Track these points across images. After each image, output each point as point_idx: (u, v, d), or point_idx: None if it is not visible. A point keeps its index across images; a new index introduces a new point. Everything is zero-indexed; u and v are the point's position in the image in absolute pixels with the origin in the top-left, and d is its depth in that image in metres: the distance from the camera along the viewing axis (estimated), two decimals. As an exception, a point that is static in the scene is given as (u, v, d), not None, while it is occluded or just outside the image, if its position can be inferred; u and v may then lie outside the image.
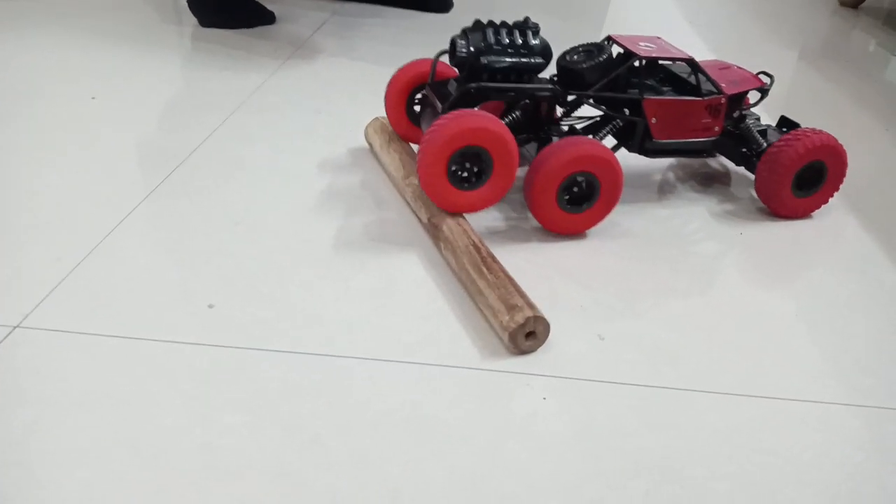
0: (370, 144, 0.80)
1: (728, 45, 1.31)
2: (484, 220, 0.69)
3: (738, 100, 0.72)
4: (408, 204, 0.70)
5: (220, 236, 0.64)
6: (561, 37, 1.04)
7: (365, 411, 0.47)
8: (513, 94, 0.65)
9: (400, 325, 0.54)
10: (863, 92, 1.11)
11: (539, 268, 0.62)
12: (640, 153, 0.71)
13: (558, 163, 0.62)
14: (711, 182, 0.80)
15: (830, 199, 0.73)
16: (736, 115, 0.73)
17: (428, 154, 0.60)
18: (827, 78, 1.17)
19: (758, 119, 0.76)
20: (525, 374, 0.51)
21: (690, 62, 0.69)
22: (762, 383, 0.51)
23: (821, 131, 0.70)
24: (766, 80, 0.76)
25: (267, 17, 1.26)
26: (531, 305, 0.52)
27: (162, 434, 0.44)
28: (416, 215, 0.68)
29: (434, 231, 0.63)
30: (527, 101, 0.67)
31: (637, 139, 0.70)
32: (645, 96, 0.68)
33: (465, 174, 0.62)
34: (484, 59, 0.64)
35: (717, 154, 0.80)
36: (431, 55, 0.73)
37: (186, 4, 1.23)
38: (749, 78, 0.74)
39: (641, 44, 0.70)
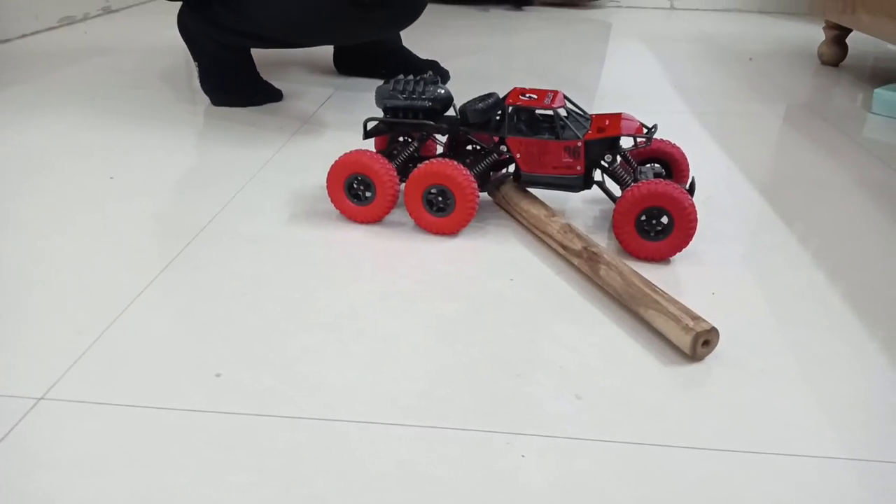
0: (505, 199, 0.89)
1: (711, 109, 1.38)
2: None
3: (603, 145, 0.82)
4: (547, 239, 0.81)
5: (229, 307, 0.69)
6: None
7: (362, 471, 0.51)
8: (401, 126, 0.88)
9: (395, 388, 0.59)
10: (839, 150, 1.16)
11: (524, 332, 0.67)
12: (517, 182, 0.87)
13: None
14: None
15: (687, 246, 0.79)
16: (609, 159, 0.83)
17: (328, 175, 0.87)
18: (808, 136, 1.22)
19: (661, 173, 0.89)
20: (506, 433, 0.54)
21: (555, 112, 0.82)
22: (744, 437, 0.55)
23: (668, 183, 0.76)
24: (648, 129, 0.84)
25: (274, 95, 1.35)
26: (704, 319, 0.62)
27: (173, 493, 0.48)
28: (561, 248, 0.79)
29: (593, 256, 0.73)
30: (423, 134, 0.88)
31: (516, 170, 0.86)
32: (508, 135, 0.83)
33: (359, 193, 0.85)
34: (383, 103, 0.86)
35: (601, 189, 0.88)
36: (423, 134, 0.80)
37: (199, 85, 1.32)
38: (626, 127, 0.82)
39: (532, 95, 0.84)
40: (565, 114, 0.84)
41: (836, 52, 1.70)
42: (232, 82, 1.31)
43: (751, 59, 1.80)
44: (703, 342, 0.62)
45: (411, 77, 0.87)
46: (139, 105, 1.31)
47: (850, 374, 0.62)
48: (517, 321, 0.68)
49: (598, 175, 0.92)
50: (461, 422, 0.55)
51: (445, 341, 0.65)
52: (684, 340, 0.62)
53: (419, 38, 1.89)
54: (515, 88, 0.87)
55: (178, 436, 0.53)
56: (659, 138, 0.91)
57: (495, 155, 0.87)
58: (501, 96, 0.85)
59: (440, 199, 0.82)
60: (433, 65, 1.51)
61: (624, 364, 0.62)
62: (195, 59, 1.30)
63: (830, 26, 1.69)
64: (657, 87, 1.52)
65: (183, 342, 0.64)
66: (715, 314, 0.69)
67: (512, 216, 0.88)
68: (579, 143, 0.81)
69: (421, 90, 0.85)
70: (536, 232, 0.83)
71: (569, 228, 0.78)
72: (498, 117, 0.86)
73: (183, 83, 1.46)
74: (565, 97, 0.86)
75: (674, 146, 0.90)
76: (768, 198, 0.98)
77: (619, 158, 0.84)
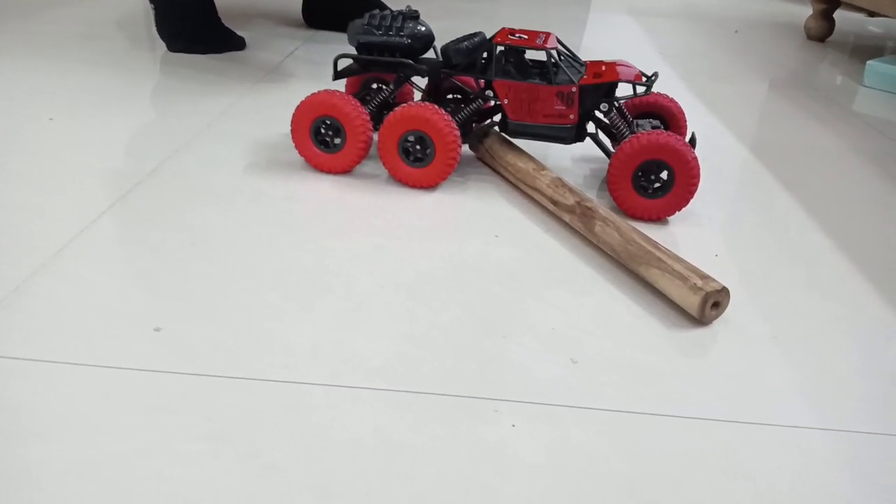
0: (489, 153, 0.80)
1: (698, 76, 1.32)
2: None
3: (599, 91, 0.74)
4: (536, 194, 0.74)
5: (176, 259, 0.61)
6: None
7: (326, 438, 0.43)
8: (375, 65, 0.78)
9: (365, 349, 0.52)
10: (832, 120, 1.12)
11: (511, 292, 0.60)
12: (504, 132, 0.78)
13: None
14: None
15: (687, 205, 0.72)
16: (605, 108, 0.75)
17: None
18: (797, 106, 1.17)
19: (658, 128, 0.76)
20: (493, 399, 0.48)
21: (547, 52, 0.74)
22: (737, 407, 0.49)
23: (670, 134, 0.69)
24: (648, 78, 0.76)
25: (236, 43, 1.25)
26: (714, 278, 0.56)
27: (114, 463, 0.40)
28: (552, 203, 0.71)
29: (587, 211, 0.66)
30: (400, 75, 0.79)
31: (502, 119, 0.78)
32: (495, 78, 0.75)
33: (327, 139, 0.77)
34: (358, 39, 0.77)
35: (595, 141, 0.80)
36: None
37: (156, 31, 1.22)
38: (625, 73, 0.74)
39: (523, 36, 0.76)
40: (558, 57, 0.76)
41: (823, 26, 1.66)
42: (190, 28, 1.21)
43: (736, 31, 1.75)
44: (712, 304, 0.55)
45: (389, 11, 0.78)
46: (91, 52, 1.20)
47: (859, 342, 0.57)
48: (502, 279, 0.61)
49: (591, 128, 0.85)
50: (440, 386, 0.49)
51: (422, 300, 0.58)
52: (692, 301, 0.55)
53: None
54: (504, 28, 0.78)
55: (118, 397, 0.45)
56: (656, 91, 0.84)
57: (480, 102, 0.79)
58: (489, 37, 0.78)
59: (418, 147, 0.74)
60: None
61: (621, 327, 0.56)
62: (151, 2, 1.20)
63: (818, 0, 1.65)
64: (642, 53, 1.46)
65: (118, 294, 0.56)
66: (720, 278, 0.63)
67: (496, 171, 0.81)
68: (574, 89, 0.74)
69: (399, 26, 0.76)
70: (524, 187, 0.75)
71: (560, 182, 0.71)
72: (484, 60, 0.77)
73: (141, 32, 1.35)
74: (558, 41, 0.78)
75: (671, 100, 0.83)
76: (765, 162, 0.92)
77: (615, 109, 0.76)
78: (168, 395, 0.46)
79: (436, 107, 0.73)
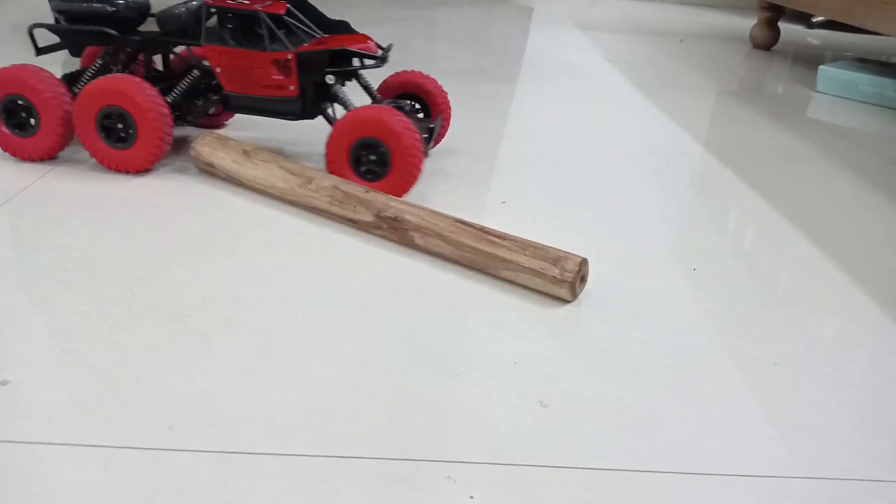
0: (209, 164, 0.66)
1: (648, 81, 1.25)
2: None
3: (320, 59, 0.66)
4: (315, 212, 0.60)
5: (42, 287, 0.48)
6: (480, 70, 0.93)
7: (210, 534, 0.31)
8: (80, 37, 0.68)
9: (273, 400, 0.40)
10: (793, 124, 1.06)
11: (461, 316, 0.49)
12: (225, 108, 0.69)
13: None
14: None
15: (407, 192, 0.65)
16: (331, 80, 0.69)
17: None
18: (756, 111, 1.11)
19: (411, 108, 0.72)
20: (444, 461, 0.37)
21: (260, 14, 0.65)
22: (751, 456, 0.39)
23: (388, 109, 0.62)
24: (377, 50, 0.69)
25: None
26: (567, 252, 0.51)
27: None
28: (349, 222, 0.59)
29: (394, 224, 0.56)
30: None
31: (221, 95, 0.69)
32: (205, 43, 0.66)
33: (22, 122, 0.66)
34: (56, 6, 0.66)
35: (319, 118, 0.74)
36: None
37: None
38: (350, 42, 0.67)
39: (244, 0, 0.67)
40: (276, 23, 0.66)
41: (768, 34, 1.63)
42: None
43: (682, 40, 1.71)
44: (580, 280, 0.52)
45: None
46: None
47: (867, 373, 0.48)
48: (451, 303, 0.50)
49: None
50: (375, 447, 0.37)
51: (351, 332, 0.47)
52: (562, 293, 0.51)
53: (333, 5, 1.69)
54: None
55: None
56: (412, 70, 0.76)
57: (195, 73, 0.69)
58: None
59: (119, 126, 0.65)
60: (343, 25, 1.31)
61: (596, 354, 0.46)
62: None
63: (763, 8, 1.62)
64: (591, 60, 1.39)
65: (-45, 337, 0.43)
66: (703, 294, 0.54)
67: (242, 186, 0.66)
68: (289, 56, 0.65)
69: None
70: (301, 208, 0.63)
71: (339, 192, 0.59)
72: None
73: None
74: (301, 9, 0.70)
75: (427, 78, 0.75)
76: (732, 167, 0.84)
77: (342, 82, 0.69)
78: (-5, 479, 0.33)
79: (135, 78, 0.64)
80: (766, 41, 1.64)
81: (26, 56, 1.05)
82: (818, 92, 1.26)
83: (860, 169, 0.88)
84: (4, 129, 0.66)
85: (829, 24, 2.05)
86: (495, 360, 0.45)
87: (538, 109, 1.01)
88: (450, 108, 0.77)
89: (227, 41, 0.66)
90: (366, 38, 0.68)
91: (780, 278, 0.58)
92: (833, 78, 1.25)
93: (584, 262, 0.51)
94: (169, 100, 0.68)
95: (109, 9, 0.66)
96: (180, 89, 0.69)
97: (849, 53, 1.67)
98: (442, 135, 0.78)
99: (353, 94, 0.79)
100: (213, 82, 0.70)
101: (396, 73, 0.75)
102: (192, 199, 0.63)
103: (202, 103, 0.70)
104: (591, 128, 0.95)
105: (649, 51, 1.55)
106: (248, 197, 0.65)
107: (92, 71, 0.70)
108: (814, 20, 2.07)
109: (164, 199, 0.63)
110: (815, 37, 1.98)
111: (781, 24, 1.65)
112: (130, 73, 0.72)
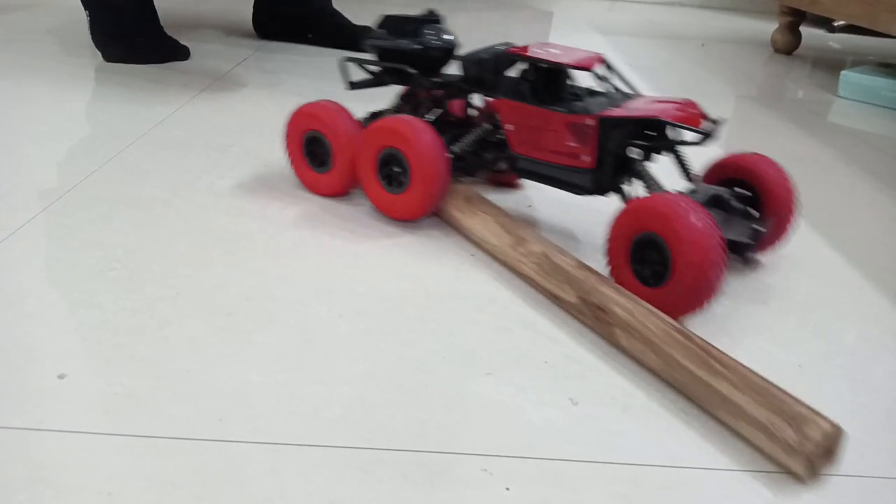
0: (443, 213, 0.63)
1: (669, 86, 1.26)
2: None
3: (625, 129, 0.55)
4: (524, 279, 0.55)
5: (89, 285, 0.51)
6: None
7: (262, 518, 0.33)
8: (388, 75, 0.66)
9: (317, 395, 0.42)
10: (816, 130, 1.06)
11: (493, 317, 0.51)
12: (513, 170, 0.62)
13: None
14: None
15: (701, 307, 0.49)
16: (638, 154, 0.57)
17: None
18: (777, 117, 1.12)
19: (738, 200, 0.57)
20: (480, 455, 0.38)
21: (565, 68, 0.57)
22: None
23: (675, 197, 0.49)
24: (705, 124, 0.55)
25: (180, 52, 1.15)
26: (814, 410, 0.38)
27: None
28: (550, 296, 0.52)
29: (599, 314, 0.47)
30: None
31: (509, 155, 0.61)
32: (500, 97, 0.59)
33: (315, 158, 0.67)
34: (369, 42, 0.66)
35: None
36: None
37: (91, 39, 1.11)
38: (668, 111, 0.54)
39: (552, 50, 0.59)
40: (582, 81, 0.58)
41: (790, 39, 1.63)
42: (128, 35, 1.10)
43: (703, 44, 1.71)
44: (824, 455, 0.38)
45: (412, 14, 0.65)
46: (17, 55, 1.09)
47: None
48: (482, 304, 0.52)
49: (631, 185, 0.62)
50: (414, 440, 0.39)
51: (388, 331, 0.48)
52: (791, 465, 0.38)
53: (351, 4, 1.71)
54: (537, 43, 0.62)
55: (11, 459, 0.35)
56: (754, 153, 0.60)
57: (485, 127, 0.63)
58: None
59: (396, 169, 0.60)
60: (367, 30, 1.34)
61: (626, 356, 0.47)
62: (85, 7, 1.09)
63: (785, 12, 1.62)
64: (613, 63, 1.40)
65: (18, 330, 0.45)
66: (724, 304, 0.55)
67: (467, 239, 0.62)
68: (588, 121, 0.54)
69: (413, 30, 0.63)
70: (507, 267, 0.57)
71: (550, 264, 0.52)
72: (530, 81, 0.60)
73: (74, 39, 1.24)
74: (608, 65, 0.59)
75: (767, 161, 0.59)
76: (753, 173, 0.85)
77: (646, 156, 0.57)
78: (56, 460, 0.35)
79: (417, 120, 0.60)
80: (788, 46, 1.64)
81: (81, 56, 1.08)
82: (840, 97, 1.27)
83: (882, 175, 0.88)
84: (305, 162, 0.67)
85: (851, 28, 2.05)
86: (527, 359, 0.46)
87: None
88: (793, 204, 0.59)
89: (524, 96, 0.58)
90: (692, 104, 0.56)
91: (801, 282, 0.60)
92: (855, 83, 1.25)
93: (837, 432, 0.38)
94: (456, 149, 0.62)
95: (415, 47, 0.63)
96: (467, 140, 0.63)
97: (871, 58, 1.67)
98: (777, 237, 0.60)
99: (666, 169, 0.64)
100: (502, 138, 0.62)
101: (734, 155, 0.60)
102: (230, 202, 0.65)
103: (490, 158, 0.63)
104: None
105: (670, 55, 1.56)
106: (279, 200, 0.67)
107: (392, 110, 0.68)
108: (835, 24, 2.06)
109: (202, 200, 0.65)
110: (837, 41, 1.97)
111: (802, 29, 1.66)
112: (428, 116, 0.66)
